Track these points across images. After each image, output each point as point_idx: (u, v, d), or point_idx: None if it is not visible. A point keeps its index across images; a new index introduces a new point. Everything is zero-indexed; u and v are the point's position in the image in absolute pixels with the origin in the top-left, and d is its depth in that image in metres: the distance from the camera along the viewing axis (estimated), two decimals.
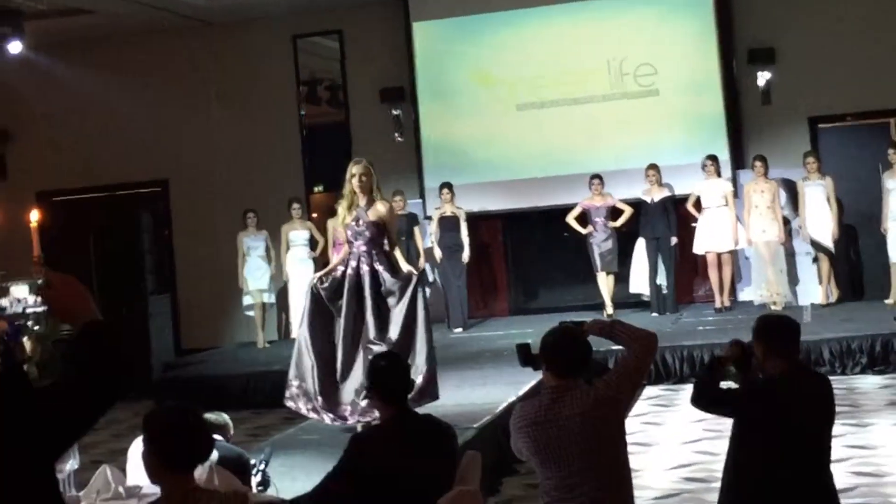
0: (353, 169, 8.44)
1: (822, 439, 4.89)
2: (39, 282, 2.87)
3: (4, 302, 2.91)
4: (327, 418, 8.34)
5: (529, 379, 9.40)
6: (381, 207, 8.43)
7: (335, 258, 9.15)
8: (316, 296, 8.45)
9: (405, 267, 8.54)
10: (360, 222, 8.38)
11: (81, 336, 2.91)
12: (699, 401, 5.04)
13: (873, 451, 8.20)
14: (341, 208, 8.53)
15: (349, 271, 8.40)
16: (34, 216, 4.24)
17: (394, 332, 8.23)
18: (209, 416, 6.26)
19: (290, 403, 8.51)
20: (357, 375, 8.19)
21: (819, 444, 4.87)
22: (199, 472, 4.47)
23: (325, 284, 8.47)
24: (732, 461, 4.94)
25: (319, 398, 8.31)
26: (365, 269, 8.35)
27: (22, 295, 2.91)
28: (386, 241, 8.51)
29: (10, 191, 16.19)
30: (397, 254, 8.60)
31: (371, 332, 8.25)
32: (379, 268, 8.35)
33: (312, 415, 8.44)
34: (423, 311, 8.35)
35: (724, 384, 5.11)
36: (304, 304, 8.68)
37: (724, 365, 5.06)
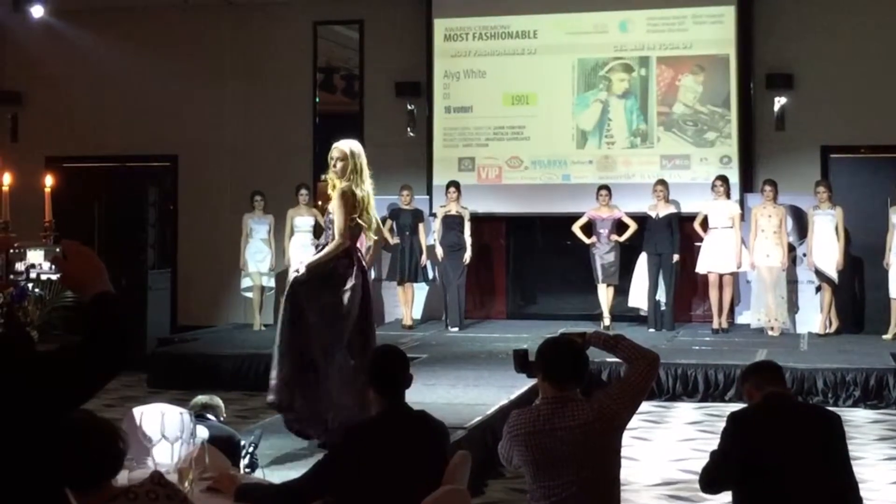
0: (332, 152, 7.30)
1: (812, 479, 4.63)
2: (57, 250, 2.88)
3: (21, 266, 2.92)
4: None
5: (522, 384, 9.44)
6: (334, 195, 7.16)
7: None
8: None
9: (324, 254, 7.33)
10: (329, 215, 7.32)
11: (92, 307, 2.91)
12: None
13: (860, 485, 8.17)
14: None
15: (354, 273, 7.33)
16: (48, 181, 4.26)
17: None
18: (201, 398, 6.28)
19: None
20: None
21: (809, 485, 4.61)
22: (190, 450, 4.46)
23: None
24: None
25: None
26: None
27: (37, 260, 2.92)
28: (363, 239, 7.52)
29: (21, 154, 16.15)
30: (329, 248, 7.27)
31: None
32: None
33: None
34: None
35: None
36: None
37: None
